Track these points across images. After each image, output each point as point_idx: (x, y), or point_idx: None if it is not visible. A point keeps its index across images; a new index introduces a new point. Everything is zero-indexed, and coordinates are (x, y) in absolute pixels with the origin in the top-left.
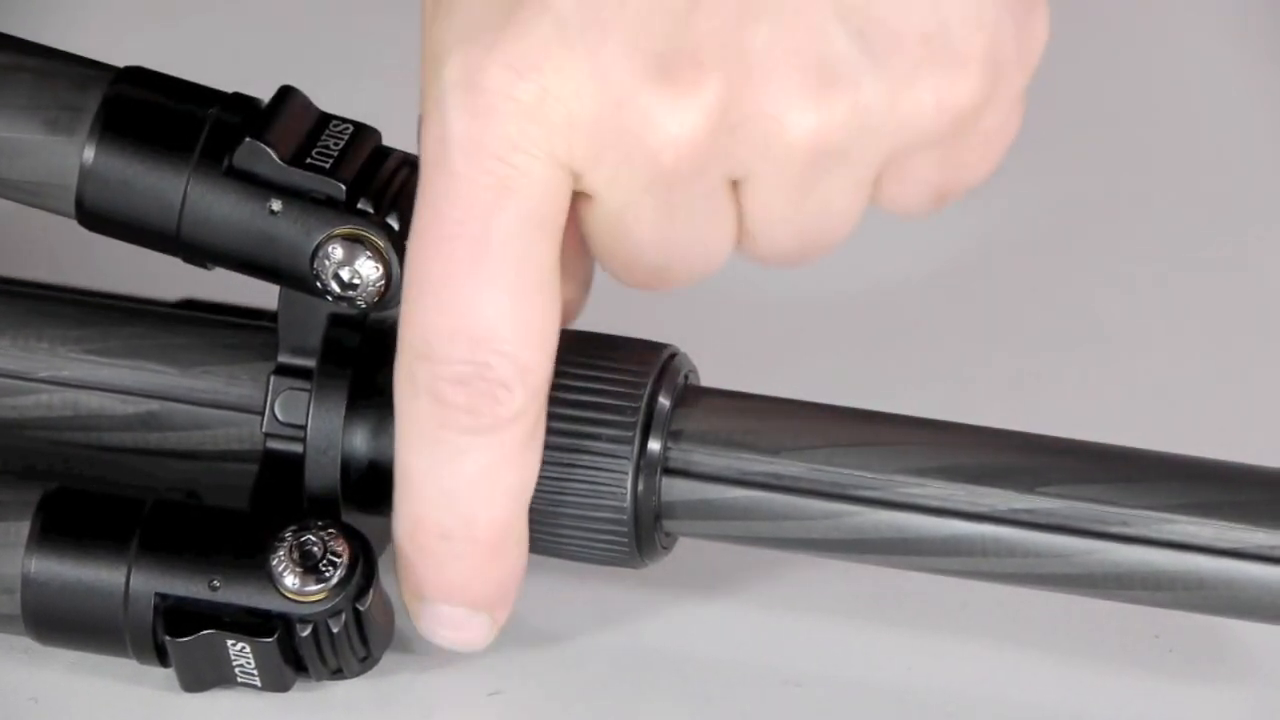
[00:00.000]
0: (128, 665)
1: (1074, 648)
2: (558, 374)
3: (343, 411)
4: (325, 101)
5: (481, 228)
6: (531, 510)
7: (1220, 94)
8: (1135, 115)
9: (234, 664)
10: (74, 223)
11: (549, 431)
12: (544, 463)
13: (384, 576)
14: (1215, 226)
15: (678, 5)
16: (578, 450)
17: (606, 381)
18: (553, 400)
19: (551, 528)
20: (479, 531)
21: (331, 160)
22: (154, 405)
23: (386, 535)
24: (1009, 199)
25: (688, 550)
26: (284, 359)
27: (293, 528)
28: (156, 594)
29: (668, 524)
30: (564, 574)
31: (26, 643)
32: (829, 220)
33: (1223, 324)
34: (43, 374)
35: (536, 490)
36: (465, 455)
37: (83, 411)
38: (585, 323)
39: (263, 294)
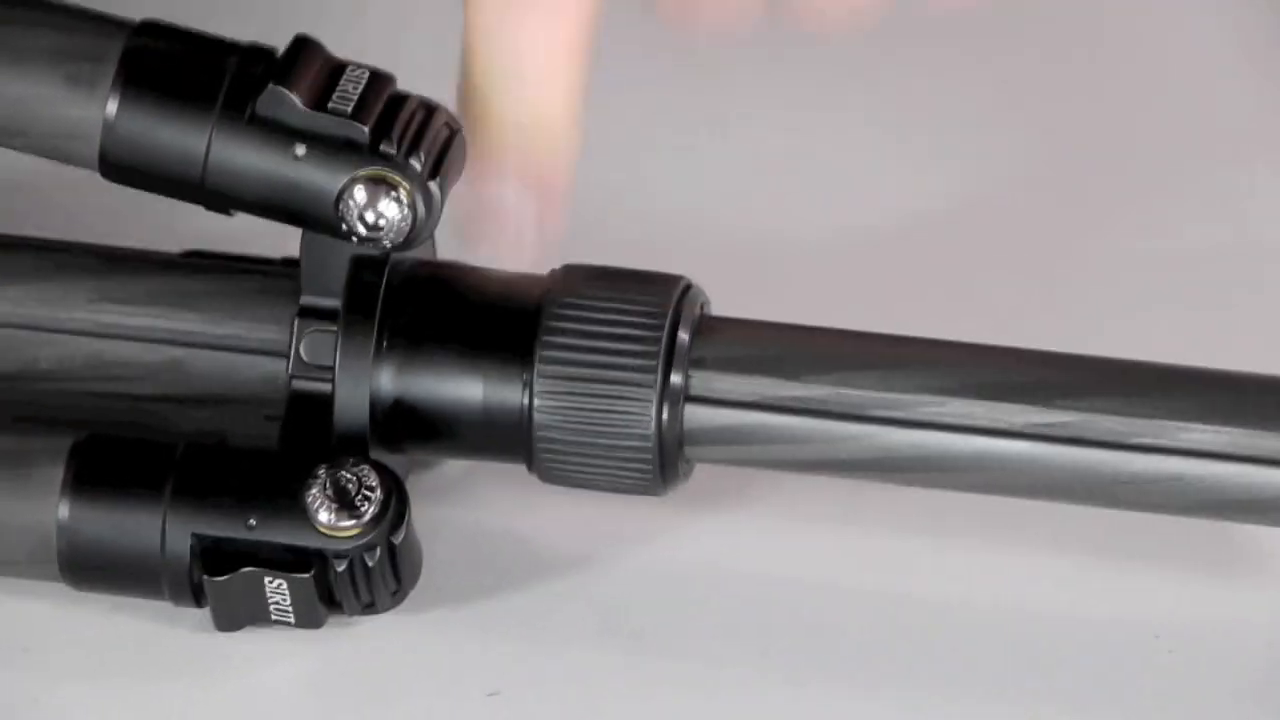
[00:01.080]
0: (130, 664)
1: (1074, 646)
2: (578, 307)
3: (370, 351)
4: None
5: None
6: (556, 441)
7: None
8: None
9: (269, 601)
10: (81, 183)
11: (572, 364)
12: (568, 394)
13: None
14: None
15: None
16: (601, 380)
17: (627, 313)
18: (575, 333)
19: (577, 458)
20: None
21: (352, 104)
22: (178, 352)
23: (404, 475)
24: (1021, 138)
25: (689, 550)
26: (307, 301)
27: (325, 465)
28: (194, 535)
29: (690, 450)
30: (564, 574)
31: (27, 641)
32: None
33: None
34: (65, 324)
35: (561, 421)
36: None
37: (107, 360)
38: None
39: (267, 246)
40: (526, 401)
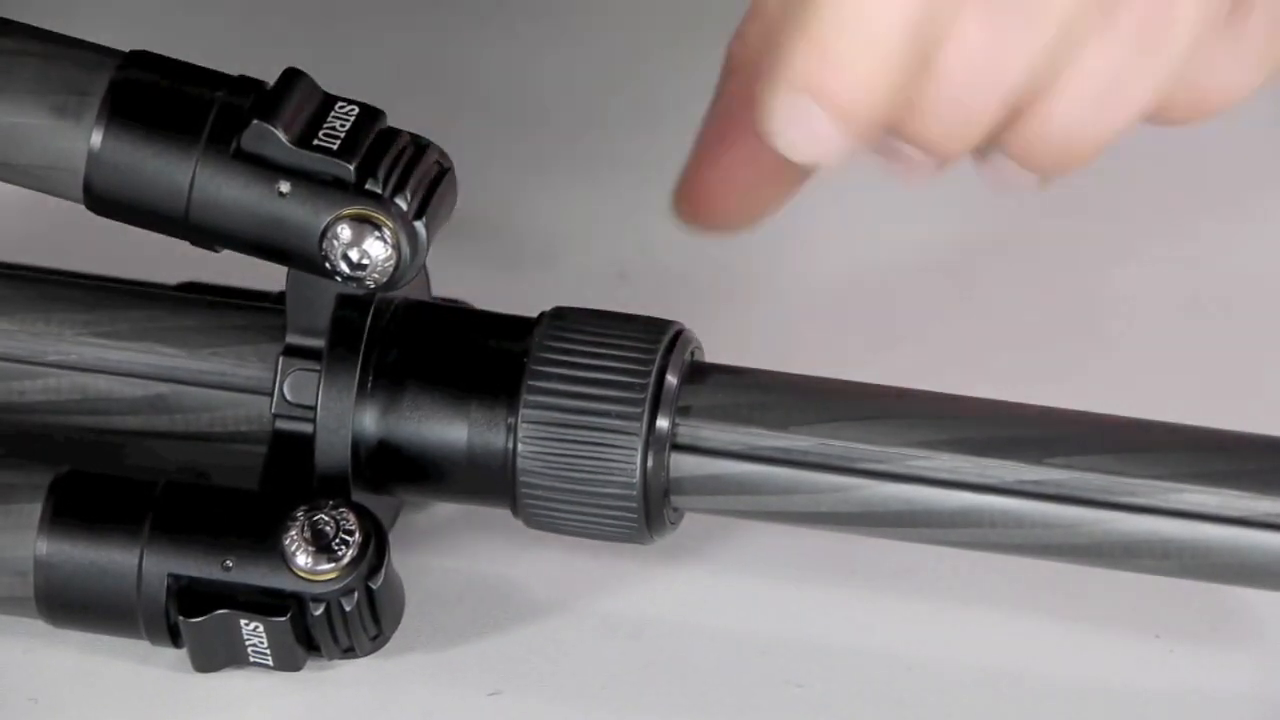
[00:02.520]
0: (129, 663)
1: (1072, 649)
2: (565, 350)
3: (353, 391)
4: (327, 86)
5: None
6: (538, 486)
7: None
8: None
9: (247, 643)
10: (74, 210)
11: (556, 408)
12: (552, 439)
13: (394, 556)
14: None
15: None
16: (587, 427)
17: (615, 358)
18: (561, 377)
19: (561, 503)
20: None
21: (339, 141)
22: (163, 388)
23: (392, 518)
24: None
25: (690, 551)
26: (292, 340)
27: (304, 507)
28: (170, 575)
29: (676, 499)
30: (564, 573)
31: (26, 643)
32: None
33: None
34: (51, 357)
35: (545, 466)
36: None
37: (91, 395)
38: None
39: (264, 277)
40: (510, 445)
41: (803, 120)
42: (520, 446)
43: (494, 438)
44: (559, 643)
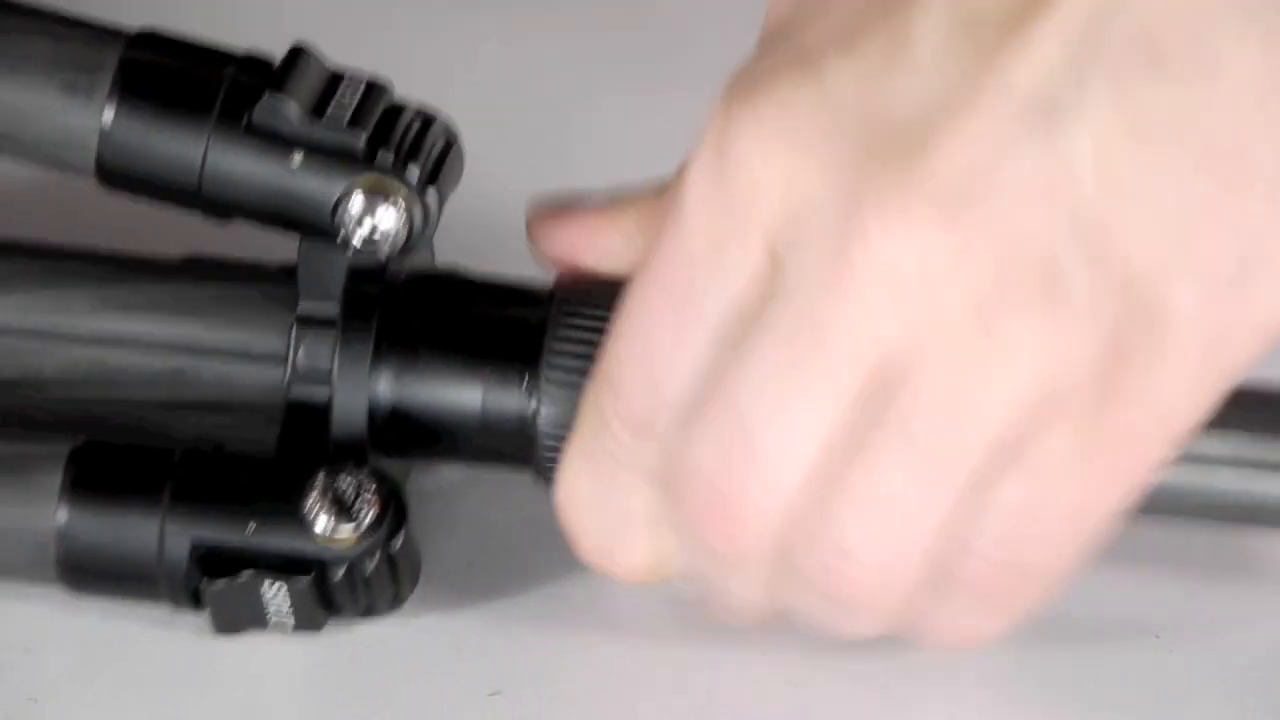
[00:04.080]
0: (128, 662)
1: (1072, 649)
2: (589, 314)
3: (368, 358)
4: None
5: (688, 281)
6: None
7: None
8: None
9: (268, 605)
10: (80, 188)
11: (581, 371)
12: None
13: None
14: None
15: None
16: None
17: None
18: (584, 341)
19: None
20: (631, 564)
21: (349, 113)
22: (180, 360)
23: (404, 479)
24: None
25: None
26: (305, 309)
27: (323, 472)
28: (192, 540)
29: None
30: (564, 573)
31: (25, 642)
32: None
33: None
34: (67, 332)
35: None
36: (625, 494)
37: (109, 368)
38: None
39: (266, 251)
40: (533, 407)
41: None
42: (543, 409)
43: (509, 401)
44: (559, 643)
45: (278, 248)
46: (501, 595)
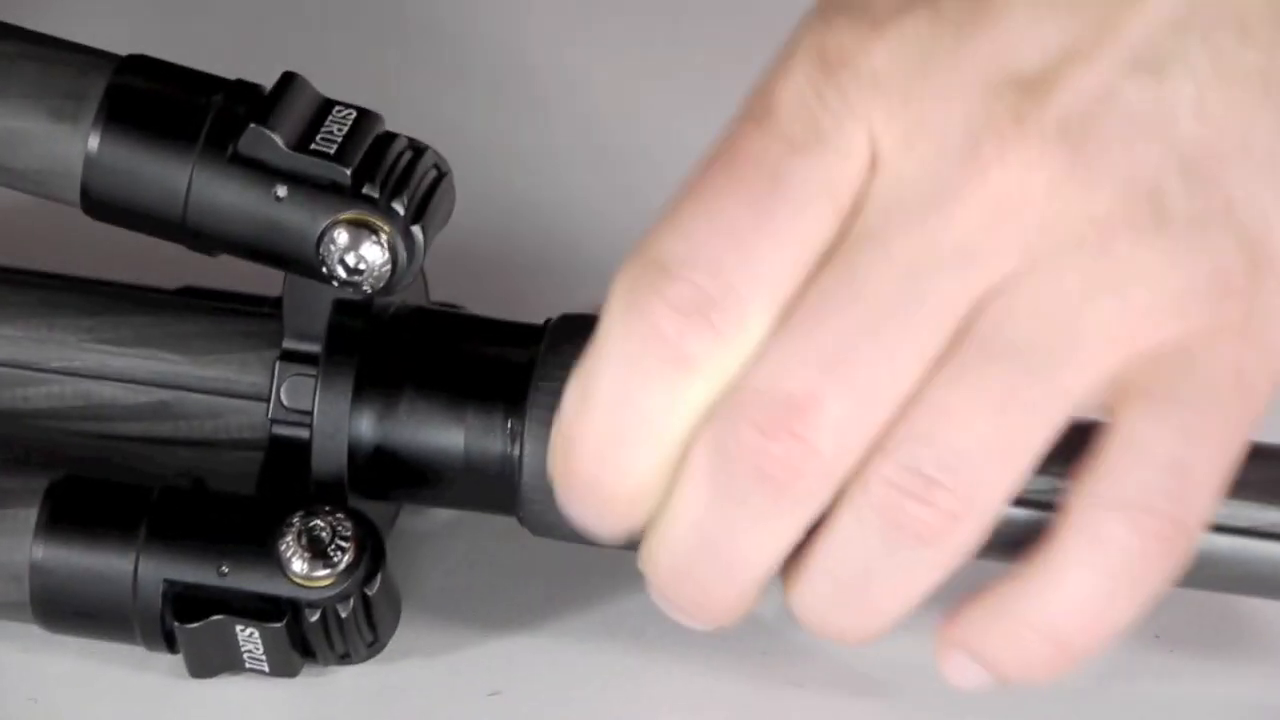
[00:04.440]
0: (128, 661)
1: None
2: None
3: (349, 397)
4: (325, 89)
5: (780, 166)
6: (548, 492)
7: None
8: None
9: (242, 649)
10: (73, 212)
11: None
12: None
13: (392, 560)
14: None
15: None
16: None
17: None
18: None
19: None
20: (628, 476)
21: (335, 146)
22: (166, 394)
23: (390, 521)
24: None
25: None
26: (289, 345)
27: (300, 513)
28: (165, 580)
29: None
30: (563, 574)
31: (25, 642)
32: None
33: None
34: (54, 364)
35: None
36: (648, 391)
37: (94, 401)
38: None
39: (263, 281)
40: (516, 451)
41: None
42: (527, 455)
43: (491, 443)
44: (559, 643)
45: (275, 277)
46: (501, 596)
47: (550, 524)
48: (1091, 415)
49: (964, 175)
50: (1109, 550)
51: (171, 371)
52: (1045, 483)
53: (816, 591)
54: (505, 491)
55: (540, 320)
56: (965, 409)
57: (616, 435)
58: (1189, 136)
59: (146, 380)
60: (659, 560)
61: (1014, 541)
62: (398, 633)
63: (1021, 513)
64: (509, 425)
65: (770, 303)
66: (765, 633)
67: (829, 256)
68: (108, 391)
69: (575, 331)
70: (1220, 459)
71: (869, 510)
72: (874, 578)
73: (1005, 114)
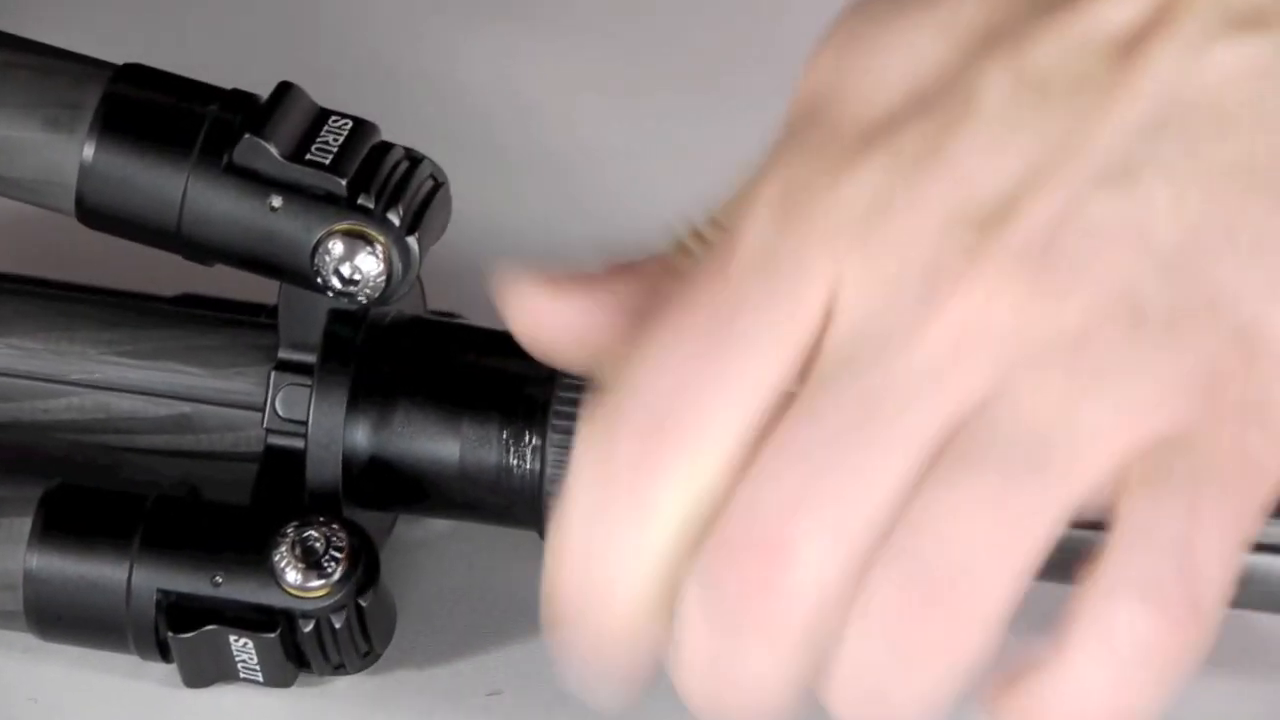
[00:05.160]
0: (128, 663)
1: None
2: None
3: (344, 407)
4: (322, 99)
5: (733, 324)
6: None
7: None
8: None
9: (236, 659)
10: (70, 220)
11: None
12: None
13: (385, 571)
14: None
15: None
16: None
17: None
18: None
19: None
20: (609, 616)
21: (331, 156)
22: (186, 407)
23: (387, 530)
24: None
25: None
26: (284, 355)
27: (294, 523)
28: (159, 590)
29: None
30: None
31: (25, 642)
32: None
33: None
34: (74, 376)
35: None
36: (615, 537)
37: (114, 414)
38: None
39: (261, 289)
40: (536, 467)
41: None
42: (550, 469)
43: (486, 454)
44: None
45: (274, 284)
46: (501, 597)
47: None
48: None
49: (922, 312)
50: (1121, 638)
51: (192, 384)
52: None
53: (842, 697)
54: (501, 501)
55: None
56: (956, 517)
57: (592, 574)
58: (1165, 239)
59: (167, 393)
60: (687, 685)
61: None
62: (393, 642)
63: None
64: (504, 434)
65: (724, 446)
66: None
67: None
68: (128, 404)
69: None
70: (1229, 537)
71: (874, 629)
72: (892, 688)
73: (958, 251)
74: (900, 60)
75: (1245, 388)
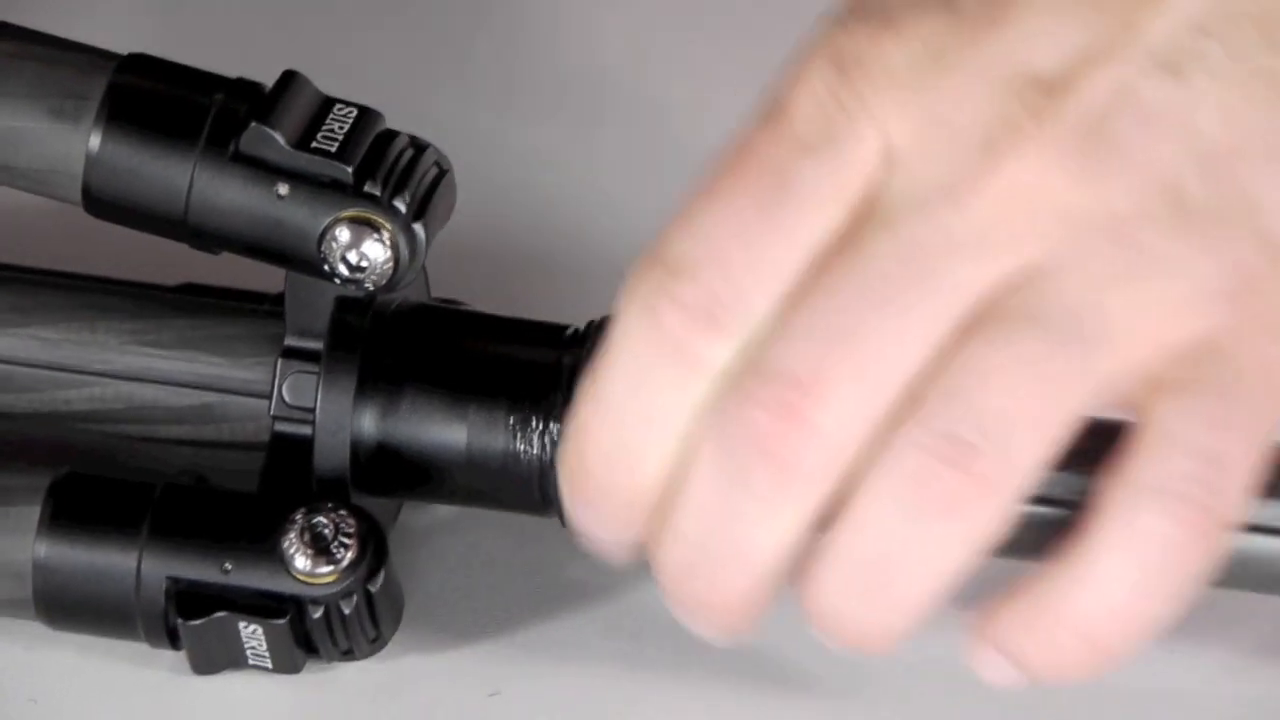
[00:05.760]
0: (136, 651)
1: None
2: None
3: (351, 394)
4: (326, 88)
5: (790, 167)
6: None
7: None
8: None
9: (245, 646)
10: (71, 210)
11: None
12: None
13: (394, 557)
14: None
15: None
16: None
17: None
18: None
19: None
20: (639, 475)
21: (337, 144)
22: (209, 397)
23: (393, 516)
24: None
25: None
26: (291, 342)
27: (303, 510)
28: (168, 578)
29: None
30: (564, 575)
31: (26, 642)
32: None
33: None
34: (97, 366)
35: None
36: (656, 390)
37: (137, 404)
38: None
39: (263, 278)
40: (544, 451)
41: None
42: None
43: (493, 439)
44: (559, 643)
45: (277, 272)
46: (501, 596)
47: None
48: (1120, 414)
49: (980, 168)
50: (1144, 539)
51: (214, 374)
52: (1075, 482)
53: (834, 586)
54: (509, 486)
55: (540, 315)
56: (1000, 373)
57: (627, 436)
58: (1209, 135)
59: (189, 383)
60: (669, 556)
61: (1043, 541)
62: (398, 633)
63: (1051, 511)
64: (535, 424)
65: (776, 297)
66: (768, 633)
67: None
68: (150, 394)
69: None
70: (1252, 450)
71: (896, 481)
72: (897, 562)
73: (1023, 111)
74: None
75: (1272, 300)
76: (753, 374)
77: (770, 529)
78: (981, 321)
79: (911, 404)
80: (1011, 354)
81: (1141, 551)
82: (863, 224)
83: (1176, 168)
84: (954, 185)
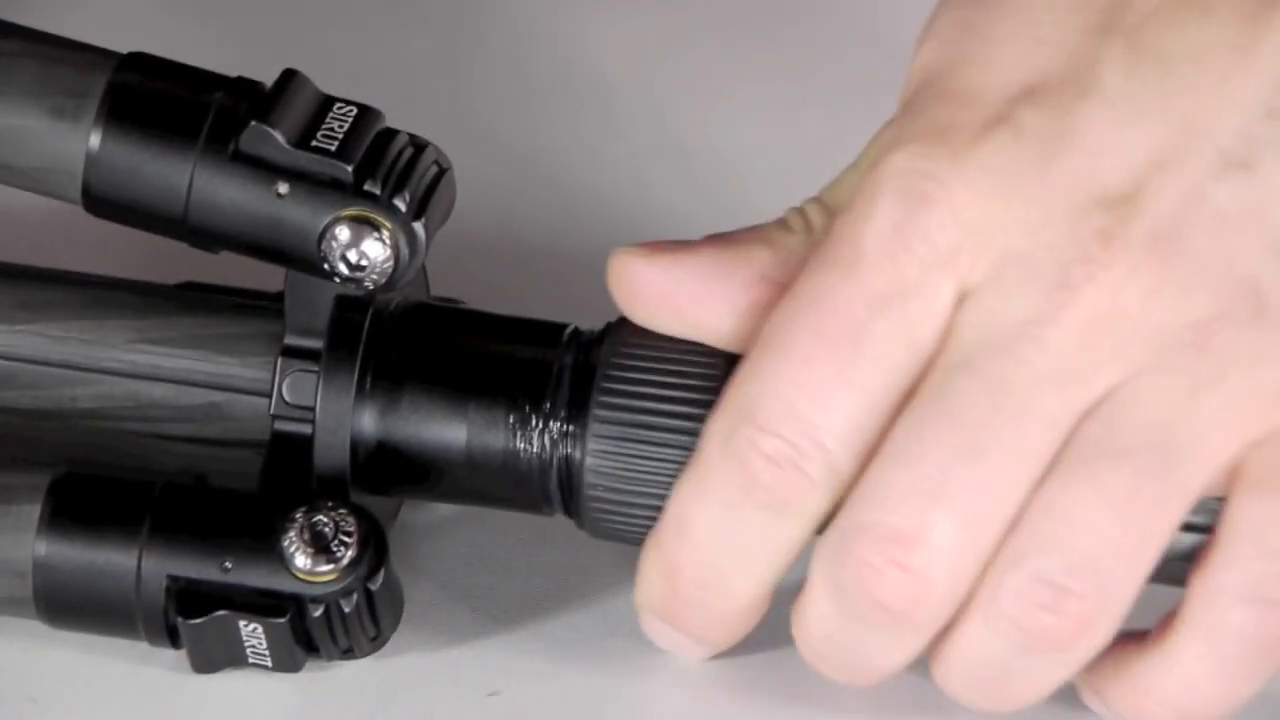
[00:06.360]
0: (135, 650)
1: None
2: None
3: (351, 392)
4: (326, 87)
5: (863, 322)
6: (608, 493)
7: None
8: None
9: (246, 644)
10: (71, 210)
11: (630, 423)
12: (627, 452)
13: (394, 555)
14: None
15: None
16: (658, 444)
17: (688, 363)
18: (634, 393)
19: (628, 510)
20: (732, 598)
21: (337, 142)
22: (216, 395)
23: (392, 515)
24: None
25: None
26: (291, 341)
27: (303, 508)
28: (168, 576)
29: None
30: (563, 574)
31: (25, 642)
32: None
33: None
34: (104, 364)
35: (616, 478)
36: (748, 528)
37: (144, 402)
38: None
39: (263, 277)
40: (577, 455)
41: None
42: (590, 459)
43: (493, 438)
44: (559, 643)
45: (276, 271)
46: (501, 596)
47: (612, 530)
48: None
49: (1056, 302)
50: (1227, 639)
51: (221, 373)
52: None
53: (956, 680)
54: (508, 485)
55: (540, 314)
56: (1088, 512)
57: (722, 567)
58: None
59: (196, 381)
60: (806, 647)
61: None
62: (398, 633)
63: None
64: (535, 423)
65: (858, 448)
66: (768, 633)
67: (916, 388)
68: (158, 392)
69: (638, 340)
70: None
71: (1001, 621)
72: (1010, 676)
73: (1093, 236)
74: (1017, 38)
75: None
76: (854, 525)
77: (892, 651)
78: (1069, 449)
79: (1010, 531)
80: (1098, 491)
81: (1224, 648)
82: (937, 361)
83: (1253, 263)
84: (1032, 321)
